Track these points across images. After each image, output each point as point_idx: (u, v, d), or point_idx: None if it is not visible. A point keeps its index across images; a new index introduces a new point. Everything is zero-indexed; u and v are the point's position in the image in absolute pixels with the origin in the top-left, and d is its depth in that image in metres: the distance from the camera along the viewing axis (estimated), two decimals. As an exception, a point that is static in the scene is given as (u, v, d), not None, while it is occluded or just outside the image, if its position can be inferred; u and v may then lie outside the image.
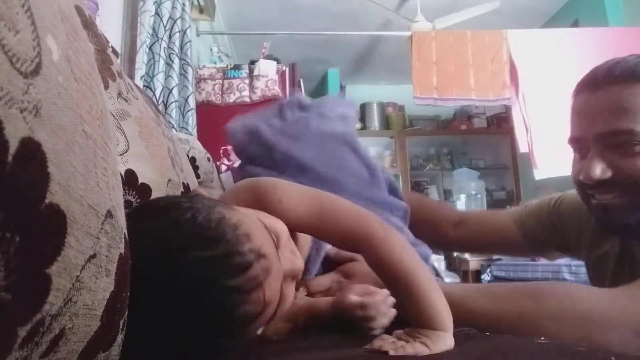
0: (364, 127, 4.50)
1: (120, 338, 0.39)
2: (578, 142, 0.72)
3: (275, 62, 2.39)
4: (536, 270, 2.56)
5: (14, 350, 0.24)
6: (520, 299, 0.61)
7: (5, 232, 0.22)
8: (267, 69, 2.34)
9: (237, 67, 2.39)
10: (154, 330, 0.43)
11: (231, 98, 2.30)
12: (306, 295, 0.68)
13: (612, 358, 0.36)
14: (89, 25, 0.64)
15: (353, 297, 0.58)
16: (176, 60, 1.88)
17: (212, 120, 2.15)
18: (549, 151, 2.44)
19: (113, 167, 0.36)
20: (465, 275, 3.52)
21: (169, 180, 0.71)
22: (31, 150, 0.23)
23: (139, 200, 0.61)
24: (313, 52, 4.03)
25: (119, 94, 0.68)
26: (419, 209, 0.96)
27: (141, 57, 1.63)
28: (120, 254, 0.36)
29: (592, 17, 3.14)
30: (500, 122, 4.44)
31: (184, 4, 1.98)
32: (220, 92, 2.32)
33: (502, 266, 2.93)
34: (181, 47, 1.95)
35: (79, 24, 0.36)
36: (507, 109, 3.13)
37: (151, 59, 1.72)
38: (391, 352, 0.44)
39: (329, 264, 0.75)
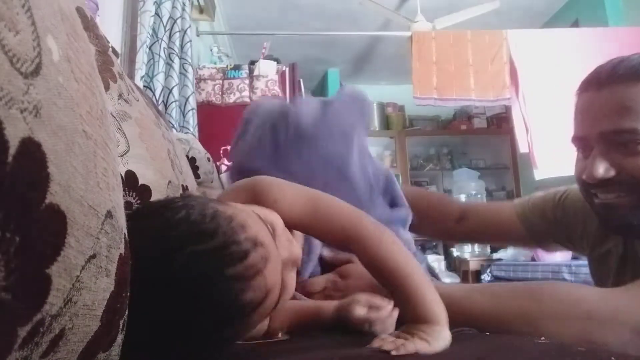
0: (364, 127, 4.50)
1: (120, 338, 0.39)
2: (581, 141, 0.71)
3: (275, 62, 2.39)
4: (536, 270, 2.56)
5: (14, 350, 0.24)
6: (520, 298, 0.61)
7: (5, 232, 0.22)
8: (267, 69, 2.34)
9: (237, 67, 2.39)
10: (156, 331, 0.43)
11: (231, 98, 2.30)
12: (301, 295, 0.69)
13: (612, 358, 0.36)
14: (90, 26, 0.64)
15: (360, 312, 0.57)
16: (176, 60, 1.88)
17: (212, 121, 2.15)
18: (549, 151, 2.44)
19: (113, 168, 0.36)
20: (465, 275, 3.52)
21: (170, 181, 0.71)
22: (31, 151, 0.23)
23: (139, 201, 0.61)
24: (313, 52, 4.03)
25: (120, 95, 0.68)
26: (420, 204, 0.96)
27: (141, 57, 1.63)
28: (120, 254, 0.36)
29: (592, 17, 3.14)
30: (500, 122, 4.44)
31: (184, 4, 1.98)
32: (220, 93, 2.32)
33: (502, 266, 2.93)
34: (181, 46, 1.95)
35: (79, 24, 0.36)
36: (507, 109, 3.13)
37: (151, 59, 1.72)
38: (393, 352, 0.44)
39: (326, 268, 0.75)
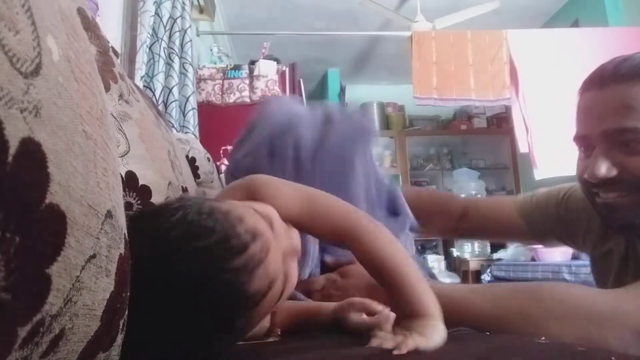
0: (364, 127, 4.50)
1: (120, 338, 0.40)
2: (583, 140, 0.71)
3: (275, 62, 2.39)
4: (536, 270, 2.56)
5: (14, 350, 0.24)
6: (520, 298, 0.61)
7: (5, 232, 0.22)
8: (267, 69, 2.34)
9: (237, 67, 2.39)
10: (166, 330, 0.44)
11: (231, 98, 2.30)
12: (302, 295, 0.69)
13: (613, 358, 0.36)
14: (91, 27, 0.64)
15: (355, 319, 0.57)
16: (176, 60, 1.88)
17: (212, 121, 2.15)
18: (549, 151, 2.44)
19: (113, 167, 0.36)
20: (465, 275, 3.52)
21: (170, 182, 0.71)
22: (31, 151, 0.23)
23: (139, 202, 0.61)
24: (313, 52, 4.03)
25: (121, 96, 0.68)
26: (422, 205, 0.96)
27: (141, 57, 1.63)
28: (120, 254, 0.36)
29: (592, 17, 3.14)
30: (500, 122, 4.44)
31: (184, 4, 1.98)
32: (220, 93, 2.32)
33: (502, 266, 2.93)
34: (181, 46, 1.95)
35: (79, 24, 0.36)
36: (507, 109, 3.13)
37: (151, 59, 1.72)
38: (395, 352, 0.44)
39: (328, 272, 0.75)
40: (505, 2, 3.10)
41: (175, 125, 1.80)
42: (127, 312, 0.40)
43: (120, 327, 0.39)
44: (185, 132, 1.87)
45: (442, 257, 3.86)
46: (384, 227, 0.60)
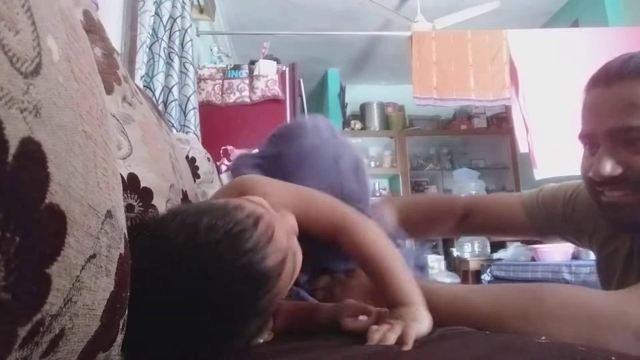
0: (364, 127, 4.50)
1: (120, 338, 0.40)
2: (588, 138, 0.70)
3: (275, 62, 2.39)
4: (536, 270, 2.55)
5: (14, 350, 0.24)
6: (522, 298, 0.61)
7: (5, 232, 0.22)
8: (267, 69, 2.34)
9: (237, 67, 2.39)
10: (192, 331, 0.45)
11: (231, 98, 2.30)
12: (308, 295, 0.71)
13: (613, 358, 0.36)
14: (97, 29, 0.64)
15: (349, 325, 0.58)
16: (176, 59, 1.88)
17: (212, 121, 2.15)
18: (549, 151, 2.44)
19: (113, 167, 0.36)
20: (465, 275, 3.52)
21: (172, 185, 0.71)
22: (31, 150, 0.23)
23: (141, 204, 0.61)
24: (313, 52, 4.03)
25: (124, 98, 0.68)
26: (421, 212, 0.97)
27: (141, 57, 1.62)
28: (120, 254, 0.36)
29: (592, 17, 3.14)
30: (500, 122, 4.43)
31: (184, 3, 1.98)
32: (220, 93, 2.31)
33: (502, 266, 2.93)
34: (182, 45, 1.95)
35: (79, 24, 0.36)
36: (507, 109, 3.13)
37: (151, 58, 1.72)
38: (405, 348, 0.46)
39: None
40: (505, 2, 3.10)
41: (175, 125, 1.80)
42: (127, 312, 0.40)
43: (120, 327, 0.39)
44: (187, 132, 1.87)
45: (442, 257, 3.86)
46: (372, 221, 0.63)
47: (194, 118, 1.93)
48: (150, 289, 0.43)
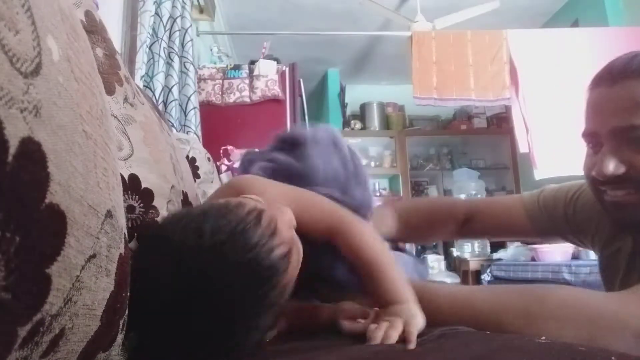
0: (364, 127, 4.50)
1: (120, 338, 0.40)
2: (592, 136, 0.70)
3: (275, 62, 2.39)
4: (536, 270, 2.55)
5: (14, 350, 0.24)
6: (523, 297, 0.61)
7: (5, 232, 0.22)
8: (267, 69, 2.34)
9: (237, 67, 2.39)
10: (208, 329, 0.46)
11: (231, 98, 2.30)
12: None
13: (613, 358, 0.36)
14: (98, 29, 0.64)
15: (345, 327, 0.58)
16: (176, 59, 1.88)
17: (212, 121, 2.15)
18: (549, 151, 2.44)
19: (113, 167, 0.36)
20: (465, 275, 3.52)
21: (173, 186, 0.71)
22: (31, 150, 0.23)
23: (141, 204, 0.61)
24: (313, 52, 4.03)
25: (125, 99, 0.68)
26: (422, 217, 0.97)
27: (141, 57, 1.62)
28: (120, 254, 0.36)
29: (592, 17, 3.14)
30: (500, 122, 4.43)
31: (184, 3, 1.98)
32: (220, 92, 2.31)
33: (502, 266, 2.93)
34: (182, 45, 1.95)
35: (79, 24, 0.36)
36: (507, 109, 3.13)
37: (151, 58, 1.72)
38: (410, 346, 0.47)
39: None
40: (505, 2, 3.10)
41: (175, 125, 1.80)
42: (127, 312, 0.40)
43: (120, 326, 0.39)
44: (187, 132, 1.87)
45: (442, 257, 3.86)
46: (366, 222, 0.66)
47: (194, 118, 1.93)
48: (164, 297, 0.44)
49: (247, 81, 2.33)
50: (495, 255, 3.19)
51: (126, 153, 0.62)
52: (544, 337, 0.46)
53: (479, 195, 3.95)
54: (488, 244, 3.53)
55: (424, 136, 4.56)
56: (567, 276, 2.26)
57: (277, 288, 0.49)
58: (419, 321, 0.53)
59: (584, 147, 0.74)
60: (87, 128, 0.31)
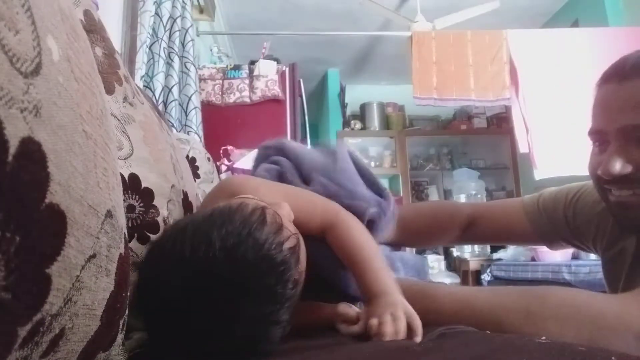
0: (364, 127, 4.50)
1: (120, 338, 0.40)
2: (599, 134, 0.68)
3: (275, 62, 2.39)
4: (536, 270, 2.55)
5: (14, 350, 0.23)
6: (524, 298, 0.60)
7: (5, 232, 0.22)
8: (267, 69, 2.34)
9: (237, 67, 2.39)
10: (230, 329, 0.46)
11: (231, 98, 2.30)
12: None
13: (613, 358, 0.36)
14: (97, 29, 0.64)
15: (346, 330, 0.59)
16: (176, 59, 1.88)
17: (212, 121, 2.15)
18: (549, 151, 2.44)
19: (113, 167, 0.36)
20: (465, 275, 3.52)
21: (173, 185, 0.71)
22: (31, 150, 0.23)
23: (142, 204, 0.61)
24: (313, 52, 4.03)
25: (125, 98, 0.68)
26: (424, 221, 0.96)
27: (141, 57, 1.62)
28: (120, 254, 0.36)
29: (592, 17, 3.14)
30: (500, 122, 4.43)
31: (184, 3, 1.98)
32: (220, 93, 2.31)
33: (502, 266, 2.93)
34: (183, 45, 1.95)
35: (79, 24, 0.36)
36: (507, 109, 3.13)
37: (151, 58, 1.72)
38: (417, 339, 0.49)
39: None
40: (505, 2, 3.10)
41: (175, 125, 1.80)
42: (127, 312, 0.40)
43: (120, 326, 0.39)
44: (188, 132, 1.87)
45: (442, 257, 3.86)
46: (356, 218, 0.67)
47: (195, 118, 1.93)
48: (181, 315, 0.45)
49: (247, 81, 2.33)
50: (495, 255, 3.19)
51: (126, 152, 0.62)
52: (544, 337, 0.46)
53: (479, 196, 3.95)
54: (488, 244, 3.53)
55: (424, 136, 4.56)
56: (567, 276, 2.26)
57: (291, 281, 0.49)
58: (409, 307, 0.55)
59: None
60: (87, 128, 0.31)
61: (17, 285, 0.22)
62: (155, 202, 0.63)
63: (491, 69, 2.57)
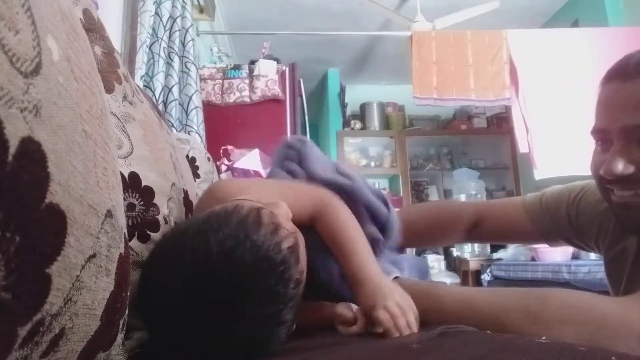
0: (364, 127, 4.50)
1: (120, 338, 0.40)
2: (601, 133, 0.67)
3: (275, 62, 2.39)
4: (536, 270, 2.55)
5: (14, 350, 0.23)
6: (525, 298, 0.60)
7: (5, 232, 0.22)
8: (267, 69, 2.34)
9: (237, 67, 2.39)
10: (244, 319, 0.46)
11: (231, 98, 2.30)
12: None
13: (613, 358, 0.36)
14: (97, 28, 0.64)
15: (344, 331, 0.59)
16: (176, 59, 1.88)
17: (212, 120, 2.15)
18: (549, 151, 2.44)
19: (113, 167, 0.36)
20: (465, 275, 3.52)
21: (173, 183, 0.71)
22: (31, 150, 0.23)
23: (142, 203, 0.61)
24: (313, 52, 4.03)
25: (125, 97, 0.68)
26: (429, 222, 0.96)
27: (141, 57, 1.62)
28: (120, 253, 0.36)
29: (592, 17, 3.14)
30: (500, 122, 4.43)
31: (184, 3, 1.98)
32: (220, 92, 2.31)
33: (502, 266, 2.93)
34: (183, 45, 1.94)
35: (79, 24, 0.36)
36: (507, 109, 3.13)
37: (151, 58, 1.72)
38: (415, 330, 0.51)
39: None
40: (505, 2, 3.10)
41: (175, 125, 1.80)
42: (127, 312, 0.40)
43: (120, 326, 0.39)
44: (189, 132, 1.87)
45: (442, 257, 3.86)
46: (347, 207, 0.68)
47: (196, 117, 1.92)
48: (185, 321, 0.45)
49: (247, 81, 2.33)
50: (495, 255, 3.19)
51: (126, 151, 0.62)
52: (544, 337, 0.46)
53: (479, 196, 3.95)
54: (488, 244, 3.53)
55: (424, 136, 4.56)
56: (566, 276, 2.26)
57: (293, 280, 0.49)
58: (405, 298, 0.56)
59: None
60: (87, 128, 0.31)
61: (17, 285, 0.22)
62: (155, 201, 0.63)
63: (491, 69, 2.57)
